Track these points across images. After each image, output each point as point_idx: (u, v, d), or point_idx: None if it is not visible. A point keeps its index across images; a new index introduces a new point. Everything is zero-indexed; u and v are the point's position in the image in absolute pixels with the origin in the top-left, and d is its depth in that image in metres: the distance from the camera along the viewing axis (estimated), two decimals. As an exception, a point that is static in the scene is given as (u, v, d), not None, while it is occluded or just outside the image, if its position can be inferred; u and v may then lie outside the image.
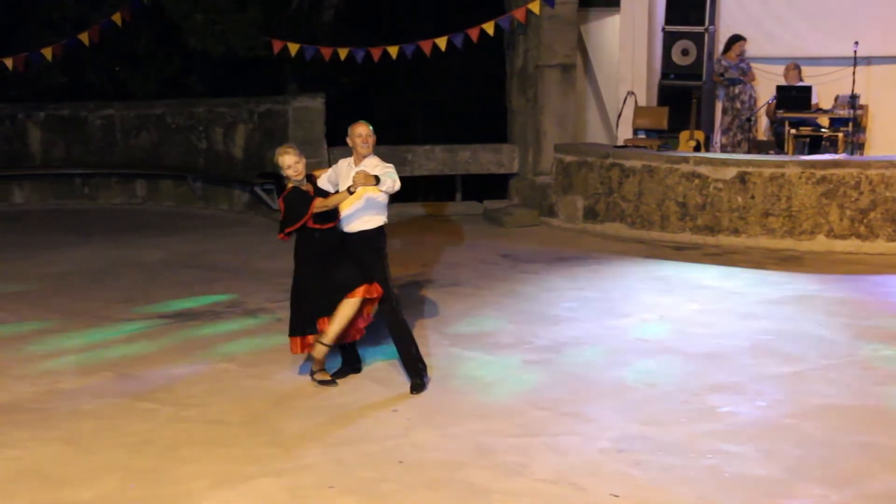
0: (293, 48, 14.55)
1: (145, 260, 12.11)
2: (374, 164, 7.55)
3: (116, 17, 14.88)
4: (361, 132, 7.63)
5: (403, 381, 7.58)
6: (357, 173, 7.29)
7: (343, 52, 14.48)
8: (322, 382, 7.52)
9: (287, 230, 7.40)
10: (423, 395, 7.32)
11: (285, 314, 9.48)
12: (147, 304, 9.98)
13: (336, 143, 15.03)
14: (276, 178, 14.76)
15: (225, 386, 7.58)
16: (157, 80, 17.35)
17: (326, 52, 14.53)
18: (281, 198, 7.50)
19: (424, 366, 7.57)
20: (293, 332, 7.54)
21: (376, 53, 14.39)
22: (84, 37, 14.87)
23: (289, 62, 16.39)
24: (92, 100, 16.88)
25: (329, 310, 7.39)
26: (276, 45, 14.58)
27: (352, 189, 7.26)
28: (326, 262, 7.42)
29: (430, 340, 8.66)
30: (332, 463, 6.14)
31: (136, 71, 17.43)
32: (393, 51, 14.32)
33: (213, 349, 8.49)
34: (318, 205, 7.32)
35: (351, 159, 7.70)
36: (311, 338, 7.48)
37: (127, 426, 6.78)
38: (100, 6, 15.81)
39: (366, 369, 7.90)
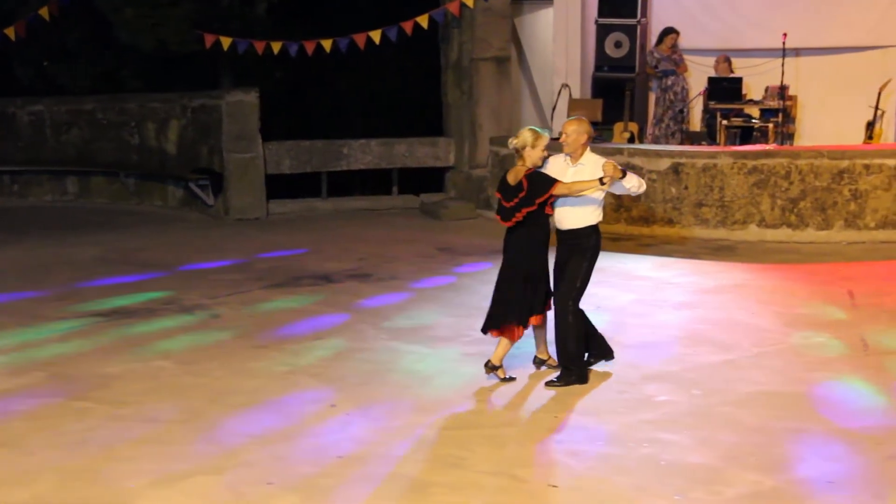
0: (225, 42, 14.45)
1: (78, 257, 11.95)
2: (594, 161, 7.34)
3: (43, 12, 14.65)
4: (564, 129, 7.37)
5: (341, 376, 7.58)
6: (607, 163, 7.15)
7: (276, 46, 14.42)
8: (504, 379, 7.42)
9: (525, 209, 7.21)
10: (362, 389, 7.31)
11: (222, 310, 9.47)
12: (81, 302, 9.86)
13: (271, 138, 14.97)
14: (211, 173, 14.67)
15: (162, 384, 7.52)
16: (88, 75, 17.12)
17: (259, 45, 14.46)
18: (525, 177, 7.24)
19: (574, 371, 7.39)
20: (511, 321, 7.37)
21: (310, 47, 14.35)
22: (10, 31, 14.62)
23: (222, 57, 16.26)
24: (20, 95, 16.59)
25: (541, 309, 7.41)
26: (209, 39, 14.46)
27: (604, 180, 7.12)
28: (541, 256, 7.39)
29: (369, 335, 8.66)
30: (271, 459, 6.12)
31: (67, 66, 17.19)
32: (327, 44, 14.29)
33: (149, 347, 8.40)
34: (561, 188, 7.19)
35: (564, 156, 7.43)
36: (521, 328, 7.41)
37: (62, 426, 6.69)
38: (27, 0, 15.56)
39: (304, 365, 7.88)
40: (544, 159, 7.34)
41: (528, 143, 7.23)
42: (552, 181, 7.22)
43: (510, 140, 7.37)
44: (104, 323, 9.16)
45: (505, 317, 7.38)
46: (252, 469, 5.98)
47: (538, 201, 7.21)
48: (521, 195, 7.22)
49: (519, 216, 7.26)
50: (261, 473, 5.91)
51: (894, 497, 5.57)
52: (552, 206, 7.33)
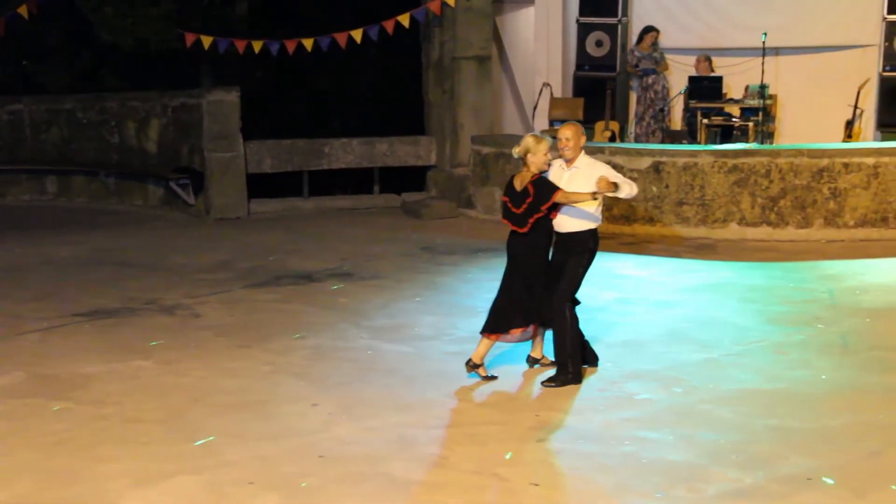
0: (206, 41, 14.41)
1: (58, 257, 11.89)
2: (587, 164, 7.40)
3: (22, 10, 14.58)
4: (562, 135, 7.40)
5: (323, 376, 7.57)
6: (600, 179, 7.15)
7: (257, 45, 14.39)
8: (486, 378, 7.45)
9: (535, 217, 7.25)
10: (343, 388, 7.31)
11: (203, 310, 9.44)
12: (61, 301, 9.80)
13: (252, 137, 14.93)
14: (191, 172, 14.63)
15: (142, 384, 7.49)
16: (68, 74, 17.04)
17: (240, 44, 14.43)
18: (530, 183, 7.28)
19: (571, 369, 7.37)
20: (515, 324, 7.45)
21: (291, 46, 14.32)
22: (-12, 30, 14.57)
23: (203, 56, 16.23)
24: (-1, 94, 16.52)
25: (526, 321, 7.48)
26: (189, 38, 14.42)
27: (596, 195, 7.20)
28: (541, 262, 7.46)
29: (350, 334, 8.65)
30: (252, 459, 6.10)
31: (46, 65, 17.11)
32: (308, 43, 14.26)
33: (129, 347, 8.37)
34: (560, 196, 7.23)
35: (560, 161, 7.47)
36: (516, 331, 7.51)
37: (42, 426, 6.66)
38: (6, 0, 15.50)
39: (286, 364, 7.86)
40: (549, 164, 7.39)
41: (529, 148, 7.29)
42: (554, 188, 7.27)
43: (514, 149, 7.43)
44: (84, 323, 9.11)
45: (510, 320, 7.44)
46: (233, 469, 5.97)
47: (544, 208, 7.27)
48: (529, 201, 7.28)
49: (531, 221, 7.29)
50: (242, 474, 5.90)
51: (874, 494, 5.60)
52: (557, 211, 7.39)
